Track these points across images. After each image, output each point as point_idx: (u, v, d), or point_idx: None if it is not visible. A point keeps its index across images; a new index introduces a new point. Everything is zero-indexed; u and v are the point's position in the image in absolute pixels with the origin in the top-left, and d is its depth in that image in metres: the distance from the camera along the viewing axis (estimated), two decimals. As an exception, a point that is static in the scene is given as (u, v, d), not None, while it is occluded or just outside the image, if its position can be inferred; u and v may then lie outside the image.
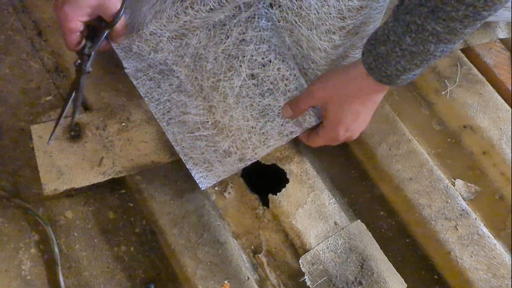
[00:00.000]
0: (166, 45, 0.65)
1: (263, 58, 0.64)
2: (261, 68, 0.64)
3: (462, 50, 0.80)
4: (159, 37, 0.64)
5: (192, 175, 0.64)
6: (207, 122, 0.66)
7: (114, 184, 0.68)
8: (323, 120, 0.64)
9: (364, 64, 0.58)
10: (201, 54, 0.65)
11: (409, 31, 0.52)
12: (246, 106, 0.65)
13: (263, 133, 0.65)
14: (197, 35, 0.64)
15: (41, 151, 0.65)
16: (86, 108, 0.72)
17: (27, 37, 0.77)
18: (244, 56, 0.64)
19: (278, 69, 0.64)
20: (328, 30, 0.62)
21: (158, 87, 0.67)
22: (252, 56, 0.64)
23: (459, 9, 0.48)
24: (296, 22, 0.63)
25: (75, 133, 0.67)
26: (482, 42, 0.81)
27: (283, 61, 0.64)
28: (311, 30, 0.63)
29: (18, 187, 0.67)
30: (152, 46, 0.65)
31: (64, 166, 0.65)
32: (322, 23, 0.62)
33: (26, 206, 0.65)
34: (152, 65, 0.67)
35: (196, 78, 0.66)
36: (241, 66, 0.64)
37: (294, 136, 0.66)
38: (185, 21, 0.62)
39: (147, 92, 0.67)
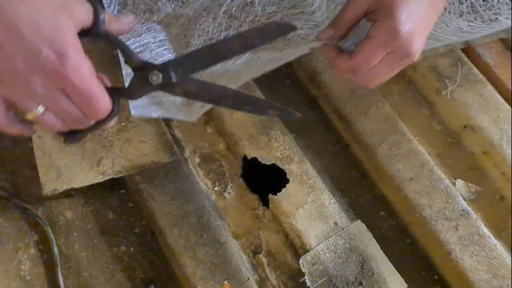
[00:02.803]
0: (163, 6, 0.61)
1: (267, 19, 0.60)
2: None
3: (463, 50, 0.80)
4: None
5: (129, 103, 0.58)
6: None
7: (114, 184, 0.68)
8: (373, 24, 0.52)
9: None
10: (199, 14, 0.61)
11: None
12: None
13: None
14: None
15: (41, 151, 0.65)
16: (86, 108, 0.71)
17: (27, 37, 0.77)
18: (247, 17, 0.60)
19: None
20: None
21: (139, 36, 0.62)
22: (256, 17, 0.59)
23: None
24: None
25: (74, 133, 0.67)
26: (483, 41, 0.81)
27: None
28: None
29: (18, 187, 0.67)
30: (149, 5, 0.61)
31: (63, 166, 0.65)
32: None
33: (25, 206, 0.65)
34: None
35: (185, 35, 0.61)
36: (241, 26, 0.60)
37: None
38: None
39: None
